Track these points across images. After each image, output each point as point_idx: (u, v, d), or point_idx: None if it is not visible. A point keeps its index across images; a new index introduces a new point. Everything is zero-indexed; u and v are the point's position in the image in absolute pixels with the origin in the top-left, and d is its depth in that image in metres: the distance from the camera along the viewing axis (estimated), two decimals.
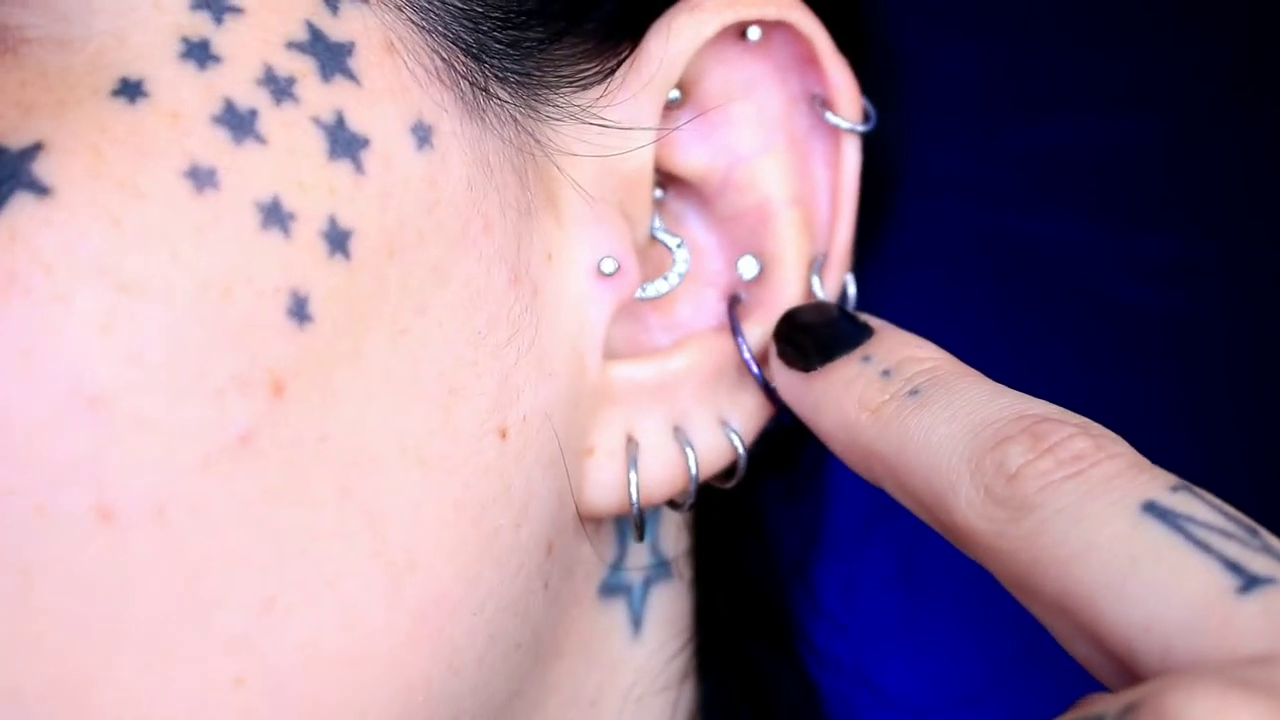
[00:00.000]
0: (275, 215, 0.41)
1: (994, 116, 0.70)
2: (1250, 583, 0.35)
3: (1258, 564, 0.36)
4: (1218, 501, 0.38)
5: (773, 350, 0.49)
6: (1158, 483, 0.38)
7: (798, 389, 0.47)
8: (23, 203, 0.39)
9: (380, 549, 0.43)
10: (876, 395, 0.45)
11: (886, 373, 0.45)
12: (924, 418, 0.43)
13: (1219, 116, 0.74)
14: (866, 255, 0.55)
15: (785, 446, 0.59)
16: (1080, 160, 0.71)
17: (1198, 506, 0.38)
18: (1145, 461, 0.39)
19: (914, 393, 0.44)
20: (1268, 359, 0.80)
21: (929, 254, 0.63)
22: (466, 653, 0.45)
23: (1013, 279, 0.76)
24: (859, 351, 0.46)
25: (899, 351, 0.46)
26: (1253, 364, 0.80)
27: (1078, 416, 0.41)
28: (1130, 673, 0.37)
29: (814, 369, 0.47)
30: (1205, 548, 0.36)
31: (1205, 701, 0.31)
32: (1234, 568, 0.36)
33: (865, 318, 0.48)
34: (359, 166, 0.42)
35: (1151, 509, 0.37)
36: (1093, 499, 0.38)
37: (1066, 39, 0.73)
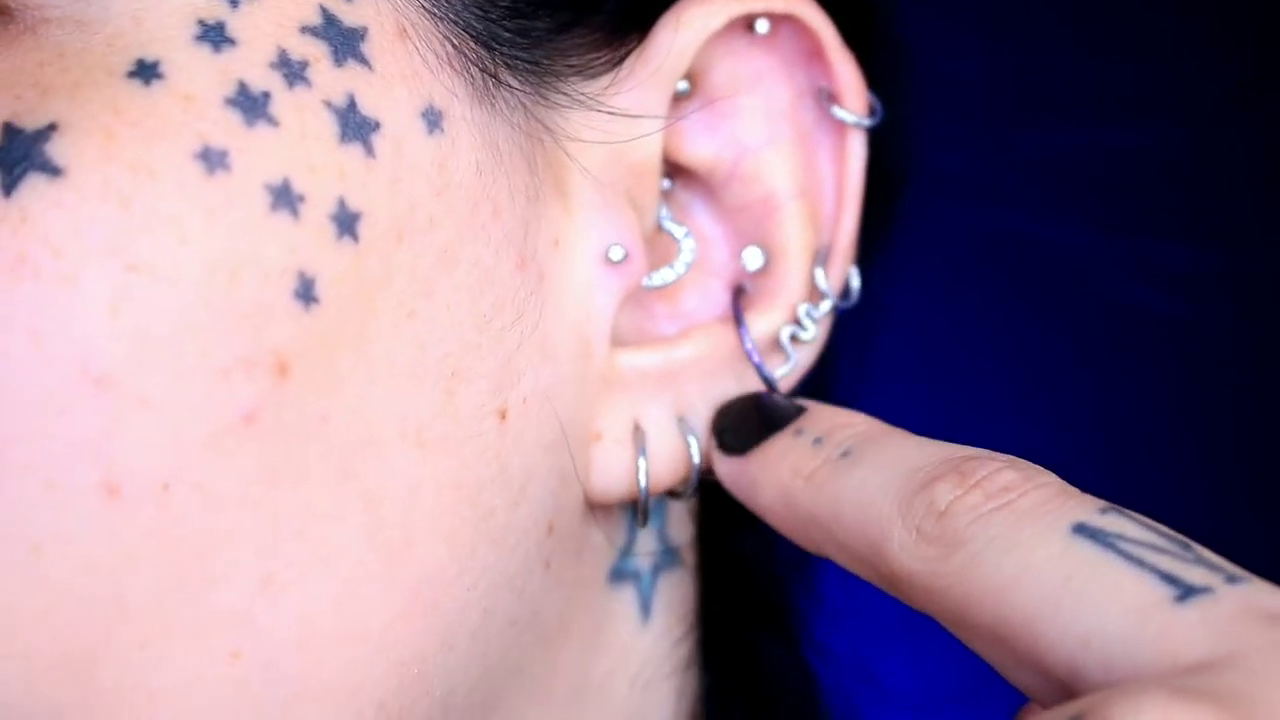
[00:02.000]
0: (285, 197, 0.41)
1: (1003, 120, 0.70)
2: (1187, 592, 0.35)
3: (1193, 575, 0.36)
4: (1148, 521, 0.38)
5: (712, 443, 0.50)
6: (1086, 506, 0.39)
7: (736, 471, 0.49)
8: (35, 184, 0.39)
9: (377, 527, 0.43)
10: (809, 462, 0.46)
11: (818, 440, 0.46)
12: (855, 474, 0.44)
13: (1228, 126, 0.74)
14: (872, 251, 0.55)
15: None
16: (1088, 166, 0.72)
17: (1128, 525, 0.38)
18: (1073, 489, 0.40)
19: (845, 454, 0.45)
20: (1272, 368, 0.80)
21: (934, 253, 0.63)
22: (460, 628, 0.45)
23: (1018, 281, 0.76)
24: (791, 427, 0.48)
25: (829, 420, 0.47)
26: (1257, 373, 0.80)
27: (1005, 455, 0.42)
28: (1073, 692, 0.37)
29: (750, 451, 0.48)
30: (1139, 562, 0.37)
31: (1151, 710, 0.32)
32: (1170, 579, 0.36)
33: (798, 400, 0.49)
34: (370, 150, 0.43)
35: (1082, 530, 0.38)
36: (1023, 526, 0.39)
37: (1077, 45, 0.73)
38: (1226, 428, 0.81)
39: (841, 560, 0.44)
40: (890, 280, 0.59)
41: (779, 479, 0.46)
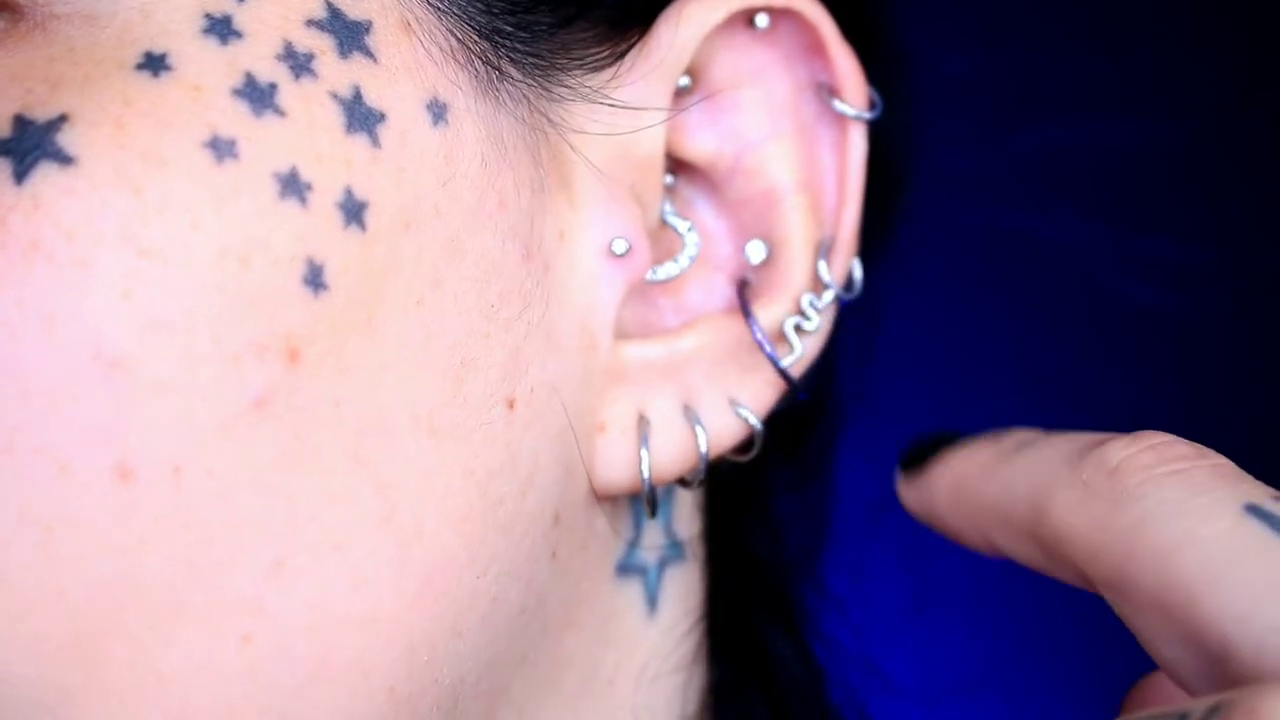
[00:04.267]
0: (293, 185, 0.42)
1: (1000, 116, 0.70)
2: None
3: None
4: None
5: (899, 476, 0.50)
6: (1260, 489, 0.39)
7: (916, 484, 0.49)
8: (46, 172, 0.40)
9: (389, 514, 0.44)
10: (986, 453, 0.46)
11: (995, 439, 0.47)
12: (1029, 452, 0.44)
13: (1223, 120, 0.75)
14: (875, 245, 0.55)
15: (793, 433, 0.60)
16: (1083, 161, 0.72)
17: None
18: (1246, 474, 0.40)
19: (1021, 445, 0.45)
20: (1270, 363, 0.80)
21: (936, 247, 0.63)
22: (469, 615, 0.46)
23: (1016, 274, 0.76)
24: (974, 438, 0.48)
25: (1007, 431, 0.47)
26: (1255, 367, 0.81)
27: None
28: (1220, 669, 0.37)
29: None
30: None
31: None
32: None
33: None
34: (375, 140, 0.43)
35: (1255, 510, 0.38)
36: (1195, 495, 0.39)
37: (1074, 42, 0.74)
38: (1221, 419, 0.82)
39: (1006, 543, 0.44)
40: (892, 274, 0.60)
41: (955, 475, 0.47)
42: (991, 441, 0.46)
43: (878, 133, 0.52)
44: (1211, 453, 0.41)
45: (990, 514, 0.45)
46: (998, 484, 0.44)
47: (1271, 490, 0.39)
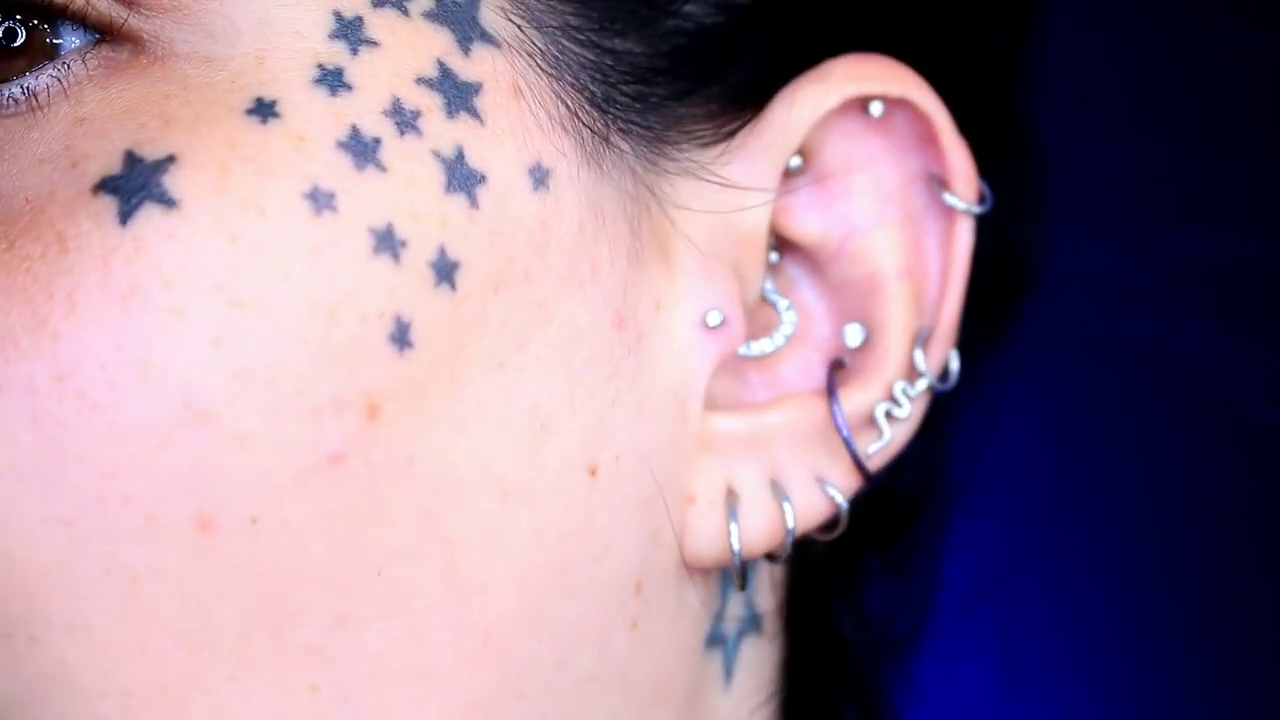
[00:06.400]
0: (387, 242, 0.42)
1: (1147, 218, 0.69)
2: None
3: None
4: None
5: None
6: None
7: None
8: (150, 214, 0.41)
9: (453, 571, 0.44)
10: None
11: None
12: None
13: None
14: (986, 340, 0.55)
15: (894, 518, 0.60)
16: (1230, 271, 0.70)
17: None
18: None
19: None
20: None
21: (1059, 350, 0.63)
22: (531, 677, 0.46)
23: (1143, 388, 0.74)
24: None
25: None
26: None
27: None
28: None
29: None
30: None
31: None
32: None
33: None
34: (474, 202, 0.44)
35: None
36: None
37: (1234, 146, 0.72)
38: None
39: None
40: (1010, 372, 0.59)
41: None
42: None
43: (1000, 225, 0.52)
44: None
45: None
46: None
47: None
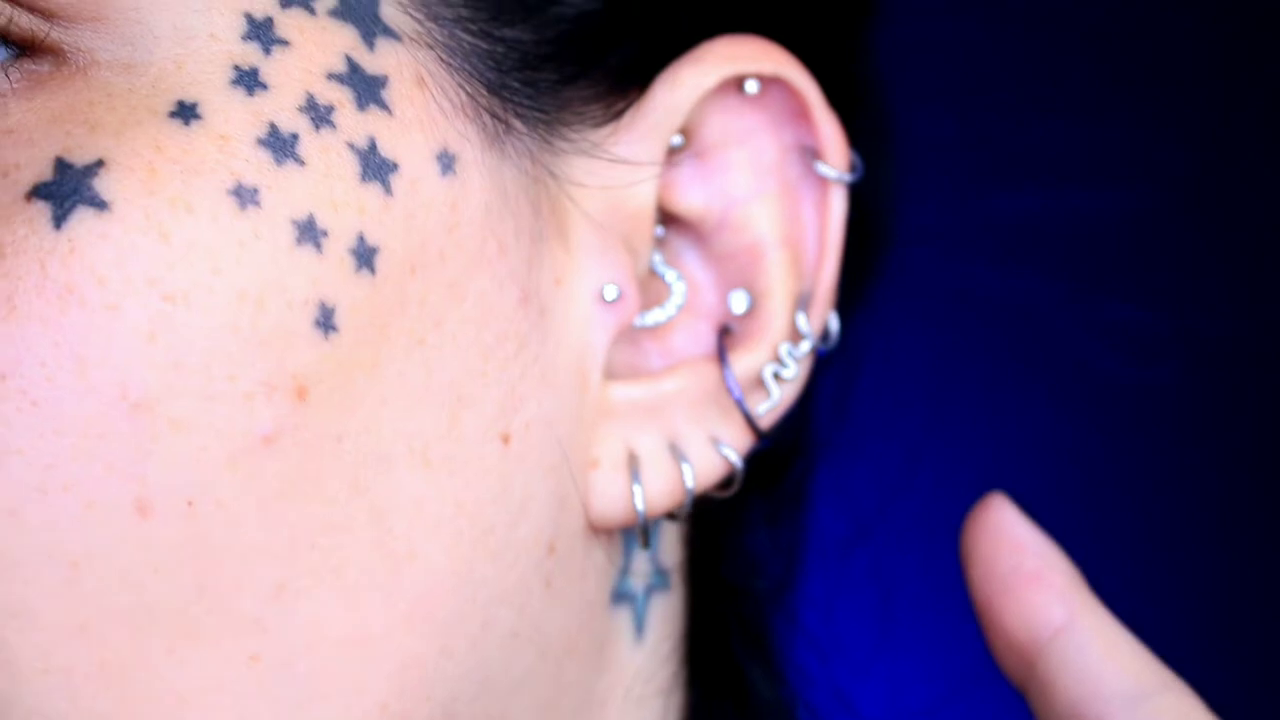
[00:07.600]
0: (309, 232, 0.44)
1: (977, 180, 0.73)
2: None
3: None
4: None
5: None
6: None
7: None
8: (83, 216, 0.42)
9: (383, 540, 0.46)
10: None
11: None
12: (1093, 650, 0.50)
13: (1185, 192, 0.77)
14: (853, 299, 0.58)
15: (771, 472, 0.63)
16: (1055, 228, 0.74)
17: None
18: None
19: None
20: (1219, 430, 0.82)
21: (911, 303, 0.66)
22: (458, 637, 0.48)
23: (985, 331, 0.78)
24: None
25: None
26: (1209, 435, 0.83)
27: None
28: None
29: None
30: None
31: None
32: None
33: None
34: (388, 189, 0.46)
35: None
36: None
37: (1049, 112, 0.76)
38: (1172, 483, 0.84)
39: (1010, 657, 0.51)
40: (869, 326, 0.62)
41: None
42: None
43: (861, 192, 0.55)
44: None
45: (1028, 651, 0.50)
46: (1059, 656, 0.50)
47: None
